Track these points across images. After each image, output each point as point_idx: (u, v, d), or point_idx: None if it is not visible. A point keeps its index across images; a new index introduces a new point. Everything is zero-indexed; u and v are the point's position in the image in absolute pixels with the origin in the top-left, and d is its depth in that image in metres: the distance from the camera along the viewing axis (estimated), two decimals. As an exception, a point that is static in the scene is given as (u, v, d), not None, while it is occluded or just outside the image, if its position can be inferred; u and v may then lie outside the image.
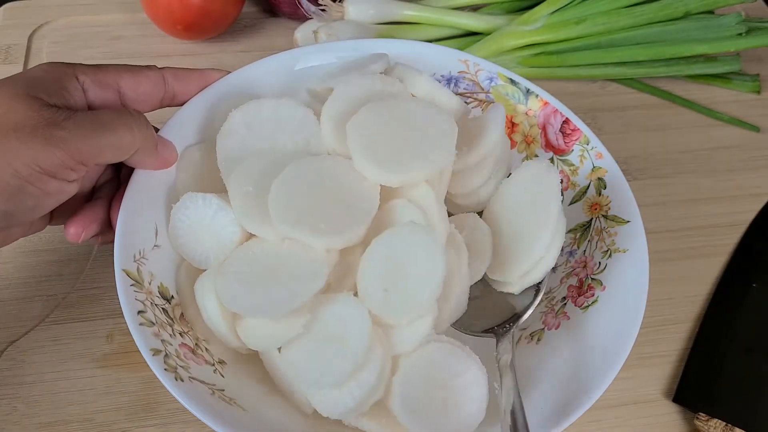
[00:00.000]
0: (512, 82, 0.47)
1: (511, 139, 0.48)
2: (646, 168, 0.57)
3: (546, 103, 0.47)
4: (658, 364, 0.46)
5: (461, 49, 0.61)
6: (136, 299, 0.37)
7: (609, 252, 0.42)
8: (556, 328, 0.41)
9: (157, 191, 0.41)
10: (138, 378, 0.43)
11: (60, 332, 0.44)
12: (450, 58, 0.48)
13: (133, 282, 0.38)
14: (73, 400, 0.42)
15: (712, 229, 0.54)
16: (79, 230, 0.38)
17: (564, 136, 0.46)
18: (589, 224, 0.44)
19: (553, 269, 0.44)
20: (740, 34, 0.58)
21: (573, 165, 0.46)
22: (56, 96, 0.35)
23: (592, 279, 0.42)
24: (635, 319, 0.38)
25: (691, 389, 0.45)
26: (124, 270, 0.38)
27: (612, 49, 0.59)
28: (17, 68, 0.59)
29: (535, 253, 0.40)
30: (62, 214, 0.40)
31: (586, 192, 0.45)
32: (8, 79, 0.35)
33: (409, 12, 0.61)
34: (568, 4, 0.59)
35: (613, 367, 0.36)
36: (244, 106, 0.42)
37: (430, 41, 0.62)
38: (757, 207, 0.55)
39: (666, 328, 0.48)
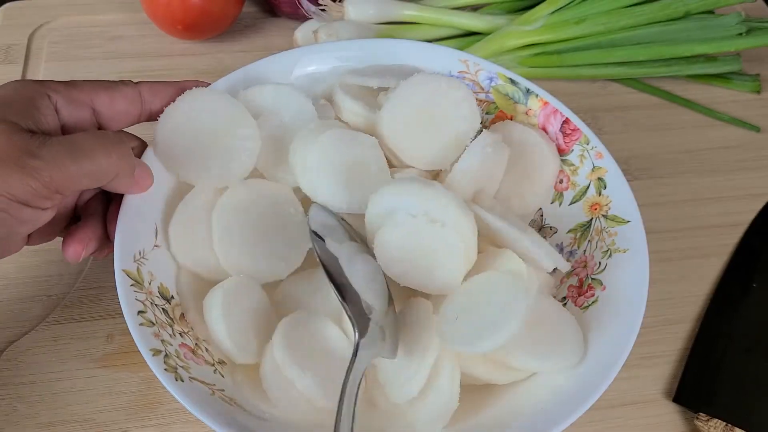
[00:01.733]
0: (512, 81, 0.47)
1: None
2: (647, 168, 0.57)
3: (546, 103, 0.46)
4: (658, 364, 0.46)
5: (461, 49, 0.61)
6: (136, 299, 0.37)
7: (609, 252, 0.42)
8: None
9: (157, 190, 0.41)
10: (138, 378, 0.43)
11: (60, 332, 0.44)
12: (450, 58, 0.48)
13: (133, 282, 0.38)
14: (73, 401, 0.42)
15: (712, 229, 0.53)
16: (78, 249, 0.37)
17: (564, 136, 0.46)
18: (589, 224, 0.44)
19: (554, 269, 0.44)
20: (740, 34, 0.58)
21: (573, 165, 0.46)
22: (29, 118, 0.33)
23: (592, 279, 0.42)
24: (635, 319, 0.38)
25: (691, 389, 0.45)
26: (124, 270, 0.38)
27: (612, 49, 0.59)
28: (17, 68, 0.59)
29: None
30: (41, 234, 0.39)
31: (586, 192, 0.45)
32: None
33: (409, 12, 0.61)
34: (568, 4, 0.59)
35: (613, 368, 0.36)
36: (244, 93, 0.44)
37: (430, 41, 0.62)
38: (757, 207, 0.55)
39: (666, 328, 0.48)
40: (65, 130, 0.36)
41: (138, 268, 0.39)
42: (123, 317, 0.45)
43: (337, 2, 0.61)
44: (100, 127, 0.38)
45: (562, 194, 0.46)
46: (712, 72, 0.62)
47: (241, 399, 0.37)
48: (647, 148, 0.58)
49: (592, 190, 0.45)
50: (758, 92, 0.63)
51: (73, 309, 0.45)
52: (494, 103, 0.48)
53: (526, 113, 0.47)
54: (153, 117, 0.41)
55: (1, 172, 0.31)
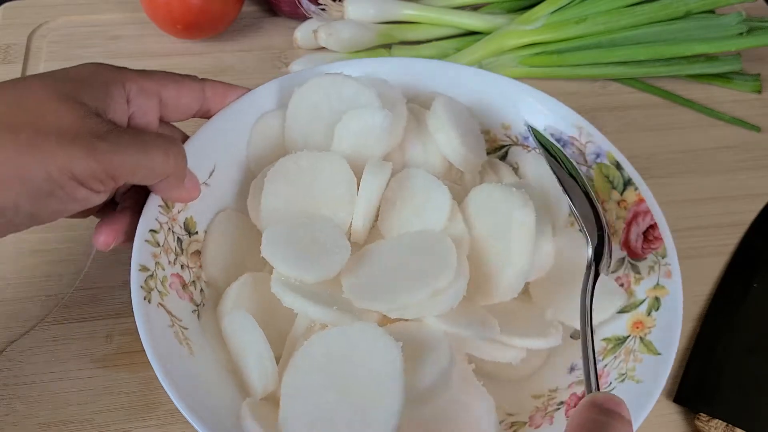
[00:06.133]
0: (618, 166, 0.44)
1: None
2: (647, 168, 0.56)
3: (641, 200, 0.43)
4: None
5: (460, 49, 0.61)
6: (156, 219, 0.39)
7: (624, 377, 0.38)
8: (536, 428, 0.38)
9: (237, 140, 0.43)
10: (137, 378, 0.43)
11: (59, 332, 0.44)
12: (567, 119, 0.46)
13: (162, 204, 0.39)
14: (72, 401, 0.42)
15: (712, 229, 0.53)
16: (109, 239, 0.38)
17: (644, 241, 0.42)
18: (625, 341, 0.40)
19: (571, 370, 0.41)
20: (741, 34, 0.58)
21: (639, 274, 0.42)
22: (100, 103, 0.35)
23: None
24: None
25: (691, 389, 0.45)
26: None
27: (613, 49, 0.59)
28: (16, 68, 0.59)
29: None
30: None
31: (638, 306, 0.41)
32: (53, 74, 0.35)
33: (409, 11, 0.61)
34: (569, 3, 0.58)
35: None
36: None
37: (430, 41, 0.62)
38: (758, 207, 0.55)
39: (667, 328, 0.48)
40: (131, 117, 0.37)
41: None
42: (123, 318, 0.45)
43: (337, 2, 0.61)
44: (161, 117, 0.39)
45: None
46: (712, 72, 0.62)
47: (199, 343, 0.38)
48: (647, 148, 0.58)
49: (643, 307, 0.40)
50: (759, 92, 0.63)
51: (73, 309, 0.45)
52: (592, 180, 0.45)
53: (619, 203, 0.44)
54: (208, 115, 0.42)
55: (69, 149, 0.32)
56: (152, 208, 0.39)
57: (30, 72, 0.59)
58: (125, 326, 0.44)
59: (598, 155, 0.45)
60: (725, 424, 0.43)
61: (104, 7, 0.65)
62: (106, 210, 0.40)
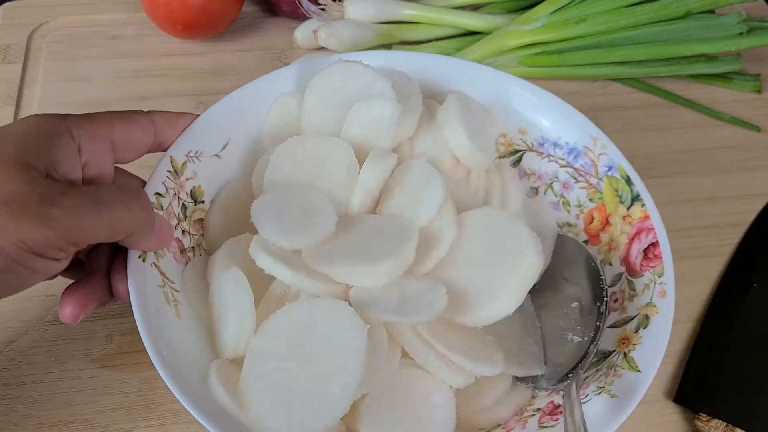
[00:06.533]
0: (628, 181, 0.44)
1: (598, 238, 0.45)
2: (647, 168, 0.56)
3: (647, 217, 0.43)
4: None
5: (460, 49, 0.61)
6: (163, 183, 0.40)
7: (602, 390, 0.38)
8: (508, 431, 0.39)
9: (253, 117, 0.45)
10: (138, 378, 0.43)
11: (59, 332, 0.44)
12: (583, 130, 0.46)
13: (171, 170, 0.40)
14: (72, 401, 0.42)
15: (712, 230, 0.53)
16: (77, 311, 0.35)
17: (643, 258, 0.42)
18: (609, 356, 0.40)
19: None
20: (741, 34, 0.58)
21: (634, 291, 0.42)
22: (48, 158, 0.32)
23: None
24: None
25: (691, 389, 0.45)
26: (171, 155, 0.40)
27: (613, 49, 0.59)
28: (16, 68, 0.59)
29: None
30: None
31: (628, 323, 0.40)
32: None
33: (409, 11, 0.61)
34: (569, 3, 0.58)
35: None
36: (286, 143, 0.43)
37: (430, 41, 0.62)
38: (758, 207, 0.55)
39: (667, 328, 0.48)
40: (85, 167, 0.35)
41: (185, 163, 0.41)
42: (123, 318, 0.45)
43: (337, 2, 0.61)
44: (116, 160, 0.37)
45: (610, 314, 0.42)
46: (712, 72, 0.62)
47: (186, 303, 0.39)
48: (647, 148, 0.58)
49: (632, 324, 0.40)
50: (759, 92, 0.63)
51: (73, 309, 0.45)
52: (601, 192, 0.45)
53: (624, 218, 0.44)
54: (161, 148, 0.40)
55: (18, 221, 0.29)
56: (161, 172, 0.40)
57: (30, 72, 0.59)
58: (125, 326, 0.45)
59: (610, 168, 0.45)
60: (725, 424, 0.43)
61: (104, 7, 0.65)
62: (72, 269, 0.38)
